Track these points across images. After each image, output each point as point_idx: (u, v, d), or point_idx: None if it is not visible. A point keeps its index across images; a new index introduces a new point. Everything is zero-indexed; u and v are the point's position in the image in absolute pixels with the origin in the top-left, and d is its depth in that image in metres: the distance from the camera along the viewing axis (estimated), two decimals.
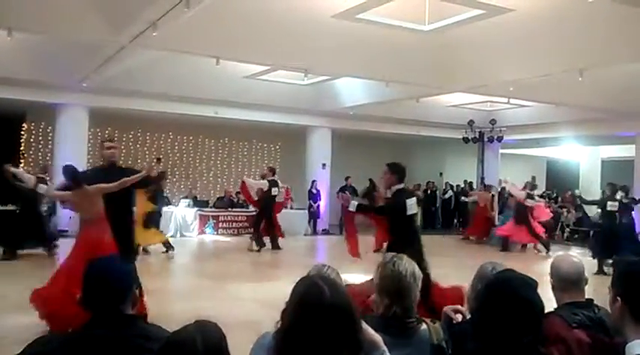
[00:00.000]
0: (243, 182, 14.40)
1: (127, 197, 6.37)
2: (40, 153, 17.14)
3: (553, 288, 2.83)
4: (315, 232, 17.78)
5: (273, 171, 14.05)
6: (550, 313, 2.43)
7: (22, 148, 17.12)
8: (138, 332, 2.18)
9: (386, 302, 2.42)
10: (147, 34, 8.48)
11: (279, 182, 13.91)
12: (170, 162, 19.17)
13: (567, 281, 2.77)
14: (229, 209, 16.92)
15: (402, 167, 6.55)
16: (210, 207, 17.10)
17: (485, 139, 19.40)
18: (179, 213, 15.78)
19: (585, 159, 23.71)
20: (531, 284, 2.11)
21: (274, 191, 13.62)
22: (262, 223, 13.65)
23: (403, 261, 2.48)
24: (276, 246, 13.63)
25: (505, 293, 2.05)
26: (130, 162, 18.48)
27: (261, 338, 2.15)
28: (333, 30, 9.12)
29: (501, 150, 20.95)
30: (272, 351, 1.84)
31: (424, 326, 2.43)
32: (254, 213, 16.42)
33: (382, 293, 2.44)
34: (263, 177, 14.10)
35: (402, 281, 2.42)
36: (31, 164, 17.21)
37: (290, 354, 1.76)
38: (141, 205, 10.36)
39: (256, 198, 14.18)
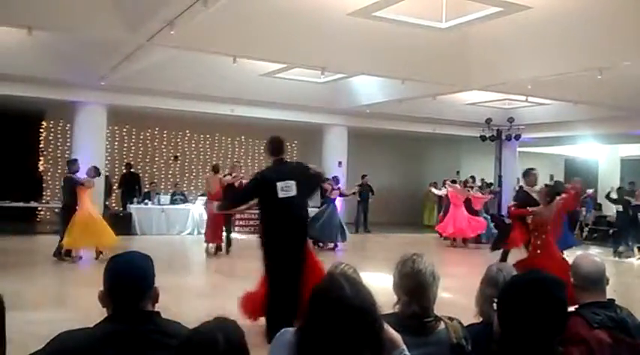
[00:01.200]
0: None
1: None
2: (58, 151, 17.33)
3: (574, 288, 2.80)
4: None
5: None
6: (571, 313, 2.41)
7: (41, 146, 17.33)
8: (157, 328, 2.19)
9: (404, 300, 2.41)
10: (164, 32, 8.53)
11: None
12: (187, 160, 19.29)
13: (588, 281, 2.75)
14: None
15: (275, 141, 5.85)
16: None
17: (503, 137, 19.25)
18: (196, 211, 15.86)
19: (604, 158, 23.42)
20: (562, 284, 2.08)
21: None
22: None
23: (423, 259, 2.47)
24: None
25: (539, 294, 2.01)
26: (147, 160, 18.66)
27: (280, 335, 2.15)
28: (350, 28, 9.11)
29: (519, 149, 20.79)
30: (292, 349, 1.83)
31: (442, 325, 2.42)
32: None
33: (401, 291, 2.43)
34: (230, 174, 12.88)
35: (422, 280, 2.40)
36: (50, 161, 17.42)
37: (310, 352, 1.76)
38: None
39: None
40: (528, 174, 9.28)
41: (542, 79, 11.55)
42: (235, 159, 17.61)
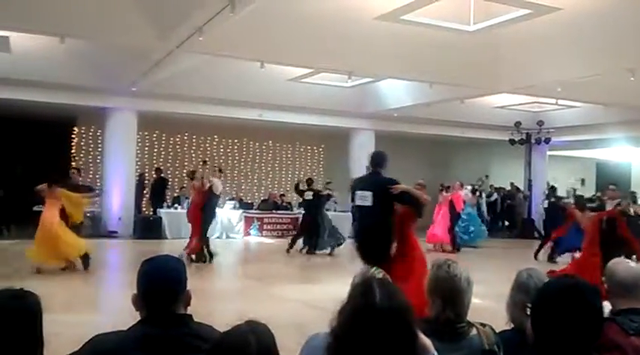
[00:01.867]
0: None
1: None
2: (90, 156, 17.62)
3: (608, 293, 2.76)
4: None
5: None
6: (606, 319, 2.37)
7: (73, 152, 17.64)
8: (189, 331, 2.21)
9: (438, 305, 2.39)
10: (193, 39, 8.65)
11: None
12: (215, 165, 19.45)
13: (623, 287, 2.69)
14: (273, 211, 17.06)
15: (374, 154, 6.78)
16: (255, 209, 17.27)
17: (533, 141, 19.01)
18: (224, 215, 15.98)
19: (637, 160, 22.99)
20: (597, 291, 2.05)
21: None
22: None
23: (458, 264, 2.46)
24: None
25: (573, 300, 1.98)
26: (176, 165, 18.87)
27: (312, 339, 2.15)
28: (377, 32, 9.11)
29: (549, 152, 20.52)
30: (324, 352, 1.83)
31: (474, 330, 2.40)
32: (298, 216, 16.55)
33: (435, 296, 2.42)
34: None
35: (457, 285, 2.39)
36: (82, 166, 17.72)
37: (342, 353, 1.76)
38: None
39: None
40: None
41: (572, 81, 11.39)
42: (215, 164, 17.45)
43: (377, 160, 6.56)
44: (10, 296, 2.08)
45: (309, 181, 14.46)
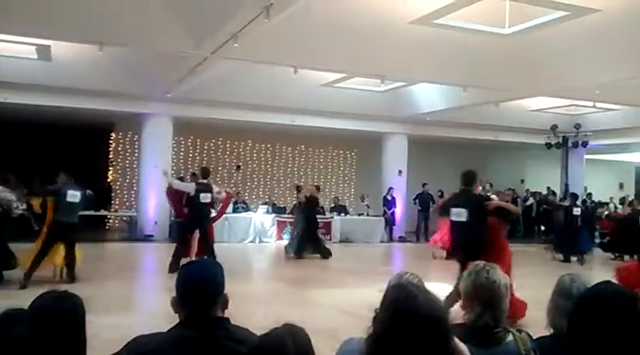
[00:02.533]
0: (169, 185, 10.82)
1: None
2: (127, 161, 17.95)
3: None
4: (391, 239, 17.68)
5: (205, 172, 10.97)
6: None
7: (110, 156, 18.01)
8: (227, 334, 2.25)
9: (477, 311, 2.38)
10: (228, 45, 8.76)
11: (213, 186, 10.75)
12: (249, 169, 19.62)
13: None
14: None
15: (465, 174, 7.23)
16: (287, 214, 17.34)
17: (570, 144, 18.67)
18: (258, 219, 16.09)
19: None
20: (634, 298, 2.02)
21: (203, 197, 10.20)
22: (189, 239, 10.35)
23: (496, 270, 2.44)
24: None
25: (608, 308, 1.96)
26: (210, 170, 19.07)
27: (346, 343, 2.17)
28: (410, 36, 9.08)
29: (586, 156, 20.14)
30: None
31: (510, 336, 2.38)
32: (330, 220, 16.56)
33: (474, 302, 2.40)
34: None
35: (496, 291, 2.37)
36: (119, 171, 18.07)
37: None
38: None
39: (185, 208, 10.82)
40: None
41: (611, 83, 11.17)
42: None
43: (468, 179, 7.18)
44: (55, 298, 2.14)
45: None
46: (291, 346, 1.78)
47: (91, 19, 8.79)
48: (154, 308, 7.78)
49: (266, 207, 16.98)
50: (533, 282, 7.90)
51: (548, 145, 18.60)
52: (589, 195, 20.80)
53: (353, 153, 20.92)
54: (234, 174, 19.53)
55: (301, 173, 20.37)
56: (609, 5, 7.88)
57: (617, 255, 15.16)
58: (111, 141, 18.08)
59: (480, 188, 15.90)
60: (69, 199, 8.80)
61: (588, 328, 1.98)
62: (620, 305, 1.97)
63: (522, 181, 22.64)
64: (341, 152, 20.88)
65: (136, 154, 17.11)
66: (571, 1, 7.79)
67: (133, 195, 17.14)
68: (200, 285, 2.25)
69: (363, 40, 9.34)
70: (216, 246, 11.53)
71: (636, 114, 15.89)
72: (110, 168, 18.06)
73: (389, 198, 17.88)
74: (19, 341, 2.01)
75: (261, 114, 15.84)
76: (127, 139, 18.08)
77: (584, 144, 18.32)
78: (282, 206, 18.21)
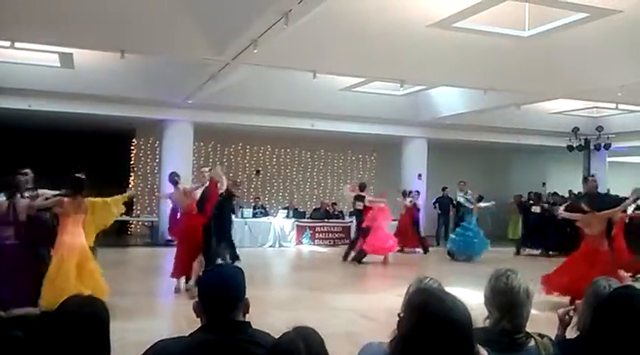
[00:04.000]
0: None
1: None
2: (148, 167, 18.14)
3: None
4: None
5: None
6: None
7: (132, 162, 18.21)
8: (247, 337, 2.27)
9: (496, 316, 2.37)
10: (248, 51, 8.82)
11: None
12: (268, 174, 19.71)
13: None
14: (325, 220, 17.12)
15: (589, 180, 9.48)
16: (307, 218, 17.39)
17: (592, 147, 18.47)
18: (277, 224, 16.15)
19: None
20: None
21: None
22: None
23: (517, 275, 2.42)
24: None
25: (628, 310, 1.95)
26: (231, 175, 19.19)
27: (366, 348, 2.18)
28: (429, 39, 9.06)
29: (609, 159, 19.87)
30: None
31: (532, 342, 2.37)
32: (350, 224, 16.56)
33: (493, 307, 2.40)
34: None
35: (515, 297, 2.35)
36: (140, 177, 18.26)
37: None
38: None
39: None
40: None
41: (633, 84, 11.03)
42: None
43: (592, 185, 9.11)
44: (80, 303, 2.19)
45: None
46: (302, 348, 1.81)
47: (112, 27, 8.91)
48: (175, 312, 7.86)
49: (286, 211, 17.03)
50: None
51: (570, 148, 18.42)
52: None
53: (372, 157, 20.90)
54: (254, 179, 19.63)
55: (320, 177, 20.40)
56: (630, 6, 7.79)
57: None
58: (132, 147, 18.28)
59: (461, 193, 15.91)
60: None
61: (609, 331, 1.98)
62: (635, 307, 1.96)
63: (544, 184, 22.40)
64: (360, 156, 20.87)
65: (157, 160, 17.28)
66: (591, 3, 7.72)
67: (155, 201, 17.30)
68: (222, 290, 2.29)
69: (381, 44, 9.34)
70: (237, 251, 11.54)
71: None
72: (132, 174, 18.25)
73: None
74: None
75: (281, 119, 15.90)
76: (149, 145, 18.26)
77: (607, 147, 18.10)
78: (302, 211, 18.25)
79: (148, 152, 18.32)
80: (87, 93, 13.38)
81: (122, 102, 14.11)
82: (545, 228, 15.91)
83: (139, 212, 17.85)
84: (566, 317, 2.73)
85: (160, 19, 8.75)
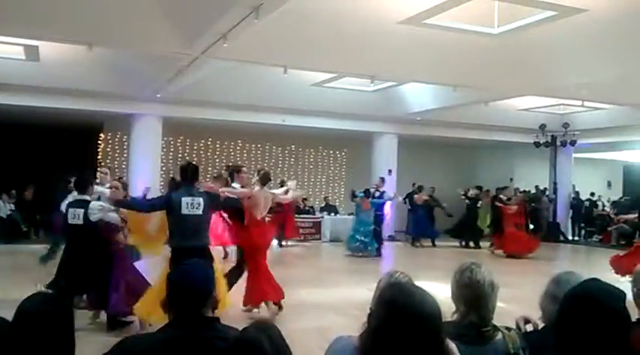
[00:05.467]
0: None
1: None
2: (116, 162, 17.87)
3: (637, 297, 2.73)
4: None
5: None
6: (635, 323, 2.35)
7: (99, 157, 17.90)
8: (217, 333, 2.26)
9: (462, 310, 2.40)
10: (218, 45, 8.74)
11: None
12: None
13: None
14: (296, 215, 17.10)
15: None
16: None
17: (558, 143, 18.82)
18: None
19: None
20: (619, 295, 2.05)
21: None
22: None
23: (482, 268, 2.45)
24: None
25: (592, 304, 1.99)
26: (200, 171, 19.00)
27: (336, 342, 2.18)
28: (400, 36, 9.10)
29: (575, 155, 20.27)
30: (354, 353, 1.87)
31: (500, 335, 2.40)
32: (320, 219, 16.60)
33: (459, 301, 2.42)
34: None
35: (480, 290, 2.38)
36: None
37: None
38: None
39: None
40: None
41: (598, 82, 11.26)
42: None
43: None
44: (43, 300, 2.14)
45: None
46: (266, 343, 1.83)
47: (79, 20, 8.73)
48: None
49: None
50: None
51: (537, 144, 18.73)
52: (577, 193, 20.97)
53: (343, 153, 20.95)
54: (224, 175, 19.49)
55: (291, 173, 20.34)
56: (596, 5, 7.93)
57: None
58: (100, 142, 17.99)
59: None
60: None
61: (574, 324, 2.01)
62: (606, 301, 2.00)
63: (511, 180, 22.74)
64: (331, 152, 20.90)
65: (125, 155, 17.04)
66: (558, 1, 7.84)
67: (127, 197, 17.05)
68: (189, 285, 2.27)
69: (352, 40, 9.35)
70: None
71: (623, 113, 16.02)
72: (98, 170, 17.94)
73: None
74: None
75: (251, 114, 15.83)
76: (116, 140, 18.00)
77: (573, 143, 18.46)
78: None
79: (116, 147, 18.05)
80: (53, 87, 13.12)
81: (89, 96, 13.87)
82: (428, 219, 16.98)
83: None
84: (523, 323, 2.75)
85: (128, 12, 8.61)
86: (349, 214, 17.82)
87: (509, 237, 15.06)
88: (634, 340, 2.26)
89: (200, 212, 6.01)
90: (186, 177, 6.21)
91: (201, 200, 6.04)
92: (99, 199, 6.68)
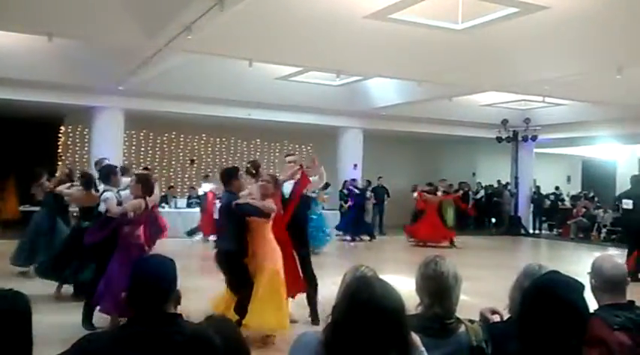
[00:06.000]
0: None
1: None
2: (76, 156, 17.51)
3: (594, 289, 2.79)
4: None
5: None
6: (591, 314, 2.40)
7: (59, 151, 17.52)
8: (179, 329, 2.23)
9: (426, 302, 2.42)
10: (181, 37, 8.61)
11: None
12: (203, 164, 19.41)
13: (610, 283, 2.73)
14: None
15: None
16: None
17: (520, 138, 19.16)
18: (213, 214, 15.92)
19: (622, 158, 23.21)
20: (578, 288, 2.09)
21: None
22: None
23: (445, 261, 2.48)
24: None
25: (550, 296, 2.03)
26: (164, 165, 18.79)
27: (302, 337, 2.17)
28: (365, 30, 9.12)
29: (536, 150, 20.67)
30: (318, 347, 1.87)
31: (463, 327, 2.43)
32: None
33: (423, 293, 2.45)
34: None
35: (444, 282, 2.41)
36: (68, 166, 17.60)
37: (339, 350, 1.80)
38: None
39: None
40: None
41: (559, 79, 11.48)
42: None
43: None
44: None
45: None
46: (219, 341, 1.83)
47: (38, 10, 8.50)
48: None
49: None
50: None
51: (499, 139, 19.04)
52: (538, 187, 21.41)
53: (309, 147, 20.93)
54: (188, 169, 19.31)
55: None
56: (557, 3, 8.08)
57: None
58: (60, 135, 17.60)
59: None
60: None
61: (535, 315, 2.05)
62: (564, 293, 2.04)
63: (474, 174, 23.10)
64: (296, 146, 20.85)
65: (86, 148, 16.71)
66: None
67: None
68: (151, 281, 2.22)
69: (318, 33, 9.33)
70: (169, 242, 11.36)
71: (583, 109, 16.38)
72: (59, 163, 17.56)
73: (345, 192, 17.95)
74: None
75: (216, 108, 15.67)
76: (77, 133, 17.63)
77: (534, 138, 18.82)
78: None
79: (77, 140, 17.67)
80: (9, 78, 12.72)
81: (49, 88, 13.52)
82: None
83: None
84: (490, 314, 2.79)
85: (90, 2, 8.42)
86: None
87: (424, 224, 15.55)
88: (591, 330, 2.31)
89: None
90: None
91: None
92: (124, 190, 6.82)
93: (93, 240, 6.43)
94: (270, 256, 5.88)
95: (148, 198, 6.32)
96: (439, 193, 16.30)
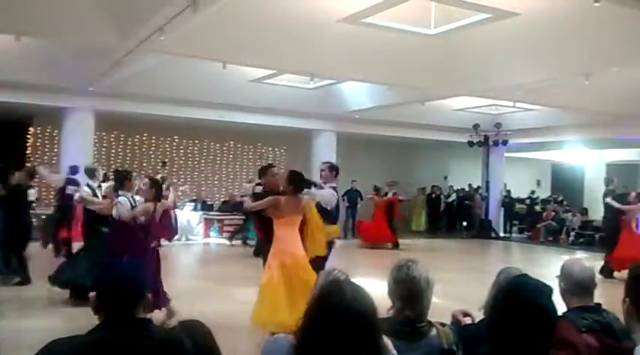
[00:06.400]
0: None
1: None
2: (46, 157, 17.20)
3: (563, 292, 2.83)
4: None
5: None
6: (559, 317, 2.44)
7: (28, 152, 17.19)
8: (149, 334, 2.20)
9: (398, 306, 2.43)
10: (154, 38, 8.52)
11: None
12: (175, 166, 19.23)
13: (580, 286, 2.77)
14: (234, 212, 16.93)
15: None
16: (215, 211, 17.14)
17: (491, 143, 19.39)
18: (184, 217, 15.80)
19: (590, 163, 23.67)
20: (546, 291, 2.12)
21: (70, 189, 10.59)
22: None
23: (418, 265, 2.49)
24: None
25: (519, 299, 2.06)
26: (135, 167, 18.55)
27: (272, 342, 2.16)
28: (339, 34, 9.15)
29: (506, 154, 20.94)
30: (289, 351, 1.86)
31: (434, 330, 2.44)
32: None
33: (395, 297, 2.46)
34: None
35: (416, 286, 2.42)
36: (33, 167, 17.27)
37: (311, 353, 1.79)
38: None
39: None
40: None
41: (529, 84, 11.66)
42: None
43: None
44: None
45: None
46: (187, 342, 1.83)
47: (7, 8, 8.34)
48: (73, 310, 7.51)
49: (193, 204, 16.69)
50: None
51: (471, 143, 19.25)
52: (508, 191, 21.71)
53: (282, 150, 20.90)
54: (160, 171, 19.08)
55: (229, 169, 20.17)
56: (528, 9, 8.21)
57: None
58: (28, 136, 17.27)
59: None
60: None
61: (505, 318, 2.07)
62: (532, 296, 2.07)
63: (446, 178, 23.30)
64: (270, 149, 20.80)
65: (56, 150, 16.43)
66: (493, 4, 8.07)
67: (52, 192, 16.44)
68: (120, 285, 2.19)
69: (292, 36, 9.33)
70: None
71: (553, 114, 16.65)
72: (27, 164, 17.23)
73: None
74: None
75: (189, 110, 15.55)
76: (47, 134, 17.32)
77: (504, 143, 19.07)
78: (210, 203, 17.96)
79: (46, 141, 17.36)
80: None
81: (17, 88, 13.25)
82: None
83: (35, 205, 16.87)
84: (461, 316, 2.82)
85: (59, 1, 8.29)
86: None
87: (368, 227, 16.26)
88: (559, 332, 2.35)
89: None
90: None
91: None
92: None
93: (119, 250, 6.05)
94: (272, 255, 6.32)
95: (159, 202, 6.58)
96: (389, 194, 16.39)
